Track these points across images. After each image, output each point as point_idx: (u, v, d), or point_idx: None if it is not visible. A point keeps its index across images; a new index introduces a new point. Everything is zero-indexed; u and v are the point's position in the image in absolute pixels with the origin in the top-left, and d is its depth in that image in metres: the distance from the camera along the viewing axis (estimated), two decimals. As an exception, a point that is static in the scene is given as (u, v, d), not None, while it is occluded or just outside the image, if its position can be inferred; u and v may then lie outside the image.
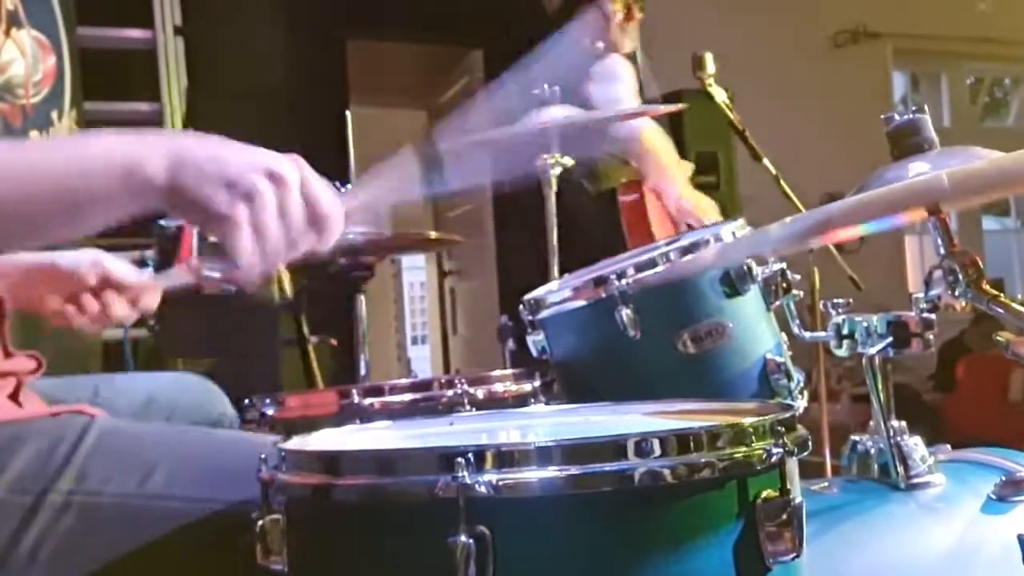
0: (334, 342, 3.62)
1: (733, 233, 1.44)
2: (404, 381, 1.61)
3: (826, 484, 1.31)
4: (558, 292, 1.48)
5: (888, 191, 1.08)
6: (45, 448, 1.05)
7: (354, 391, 1.53)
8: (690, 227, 3.00)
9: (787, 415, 0.87)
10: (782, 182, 2.64)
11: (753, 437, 0.83)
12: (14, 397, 1.17)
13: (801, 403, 1.43)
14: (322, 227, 0.95)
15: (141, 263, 1.86)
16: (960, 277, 1.13)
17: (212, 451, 1.13)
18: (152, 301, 1.40)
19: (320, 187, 0.95)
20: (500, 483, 0.76)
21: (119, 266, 1.37)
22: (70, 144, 0.94)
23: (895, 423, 1.23)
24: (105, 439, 1.08)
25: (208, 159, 0.91)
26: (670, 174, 3.14)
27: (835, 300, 1.30)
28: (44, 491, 1.03)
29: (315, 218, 0.94)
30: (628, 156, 3.09)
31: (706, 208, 3.14)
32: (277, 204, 0.91)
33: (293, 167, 0.93)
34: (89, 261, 1.34)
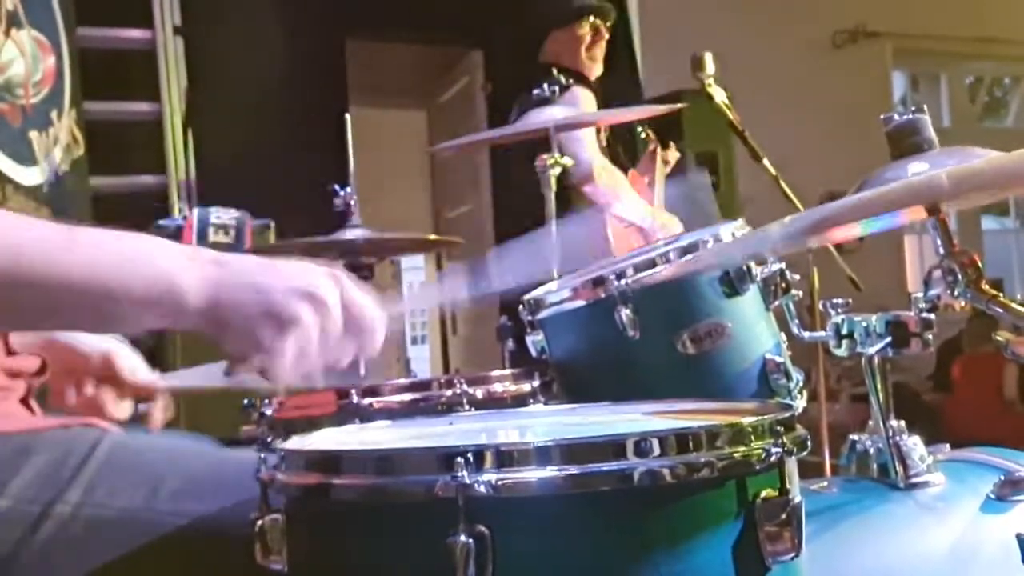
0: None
1: (733, 233, 1.44)
2: (403, 381, 1.61)
3: (825, 484, 1.31)
4: (557, 292, 1.48)
5: (887, 190, 1.08)
6: (55, 459, 1.06)
7: (353, 391, 1.53)
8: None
9: (786, 415, 0.87)
10: (782, 182, 2.64)
11: (752, 437, 0.83)
12: (25, 402, 1.17)
13: (800, 403, 1.43)
14: (364, 339, 0.94)
15: None
16: (959, 277, 1.13)
17: (221, 467, 1.13)
18: (160, 408, 1.35)
19: (362, 301, 0.93)
20: (499, 483, 0.76)
21: (130, 363, 1.33)
22: (120, 246, 0.89)
23: (894, 423, 1.23)
24: (115, 452, 1.09)
25: (248, 288, 0.89)
26: (627, 199, 3.21)
27: (834, 300, 1.30)
28: (52, 502, 1.03)
29: (357, 331, 0.93)
30: (576, 182, 3.13)
31: (669, 226, 3.23)
32: (319, 328, 0.90)
33: (333, 286, 0.91)
34: (102, 350, 1.31)
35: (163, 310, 0.89)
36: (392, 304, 1.01)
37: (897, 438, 1.22)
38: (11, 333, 1.17)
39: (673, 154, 3.67)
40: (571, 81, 3.38)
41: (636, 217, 3.20)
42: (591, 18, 3.50)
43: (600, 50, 3.53)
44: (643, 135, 3.61)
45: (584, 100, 3.31)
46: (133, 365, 1.33)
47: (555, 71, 3.29)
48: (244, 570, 0.89)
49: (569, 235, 2.14)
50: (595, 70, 3.52)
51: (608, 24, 3.55)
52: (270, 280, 0.90)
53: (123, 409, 1.34)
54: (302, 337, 0.89)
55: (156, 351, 3.24)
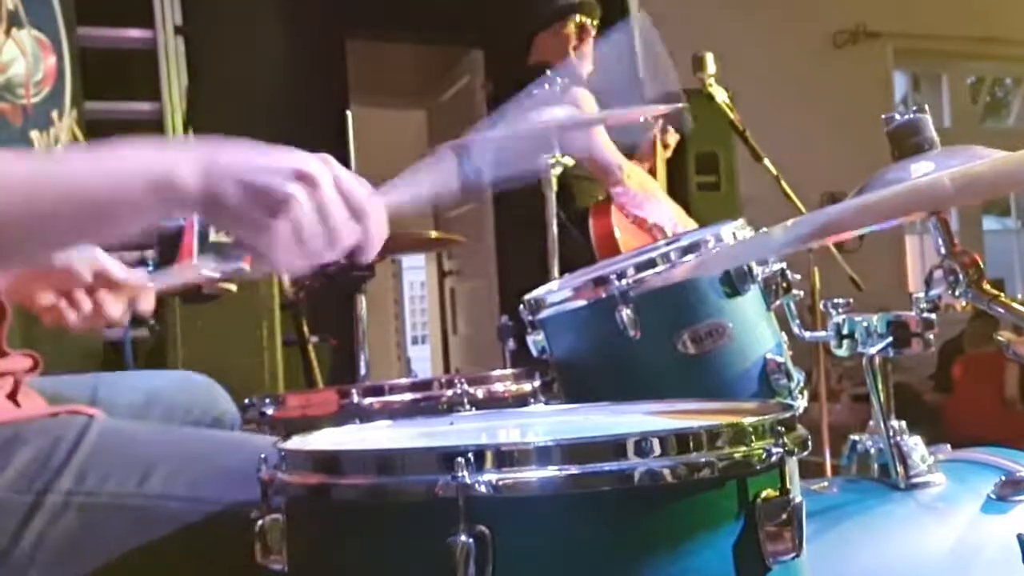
0: (335, 342, 3.62)
1: (733, 233, 1.44)
2: (404, 381, 1.61)
3: (826, 484, 1.31)
4: (558, 292, 1.48)
5: (891, 193, 1.08)
6: (44, 448, 1.05)
7: (354, 391, 1.53)
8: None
9: (787, 415, 0.87)
10: (782, 182, 2.64)
11: (753, 437, 0.83)
12: (12, 397, 1.17)
13: (801, 403, 1.43)
14: (363, 222, 0.94)
15: (141, 263, 1.85)
16: (960, 277, 1.13)
17: (211, 451, 1.13)
18: (148, 302, 1.40)
19: (353, 182, 0.94)
20: (500, 483, 0.76)
21: (115, 264, 1.35)
22: (104, 157, 0.92)
23: (895, 423, 1.23)
24: (104, 439, 1.08)
25: (239, 168, 0.90)
26: (649, 201, 3.20)
27: (835, 300, 1.30)
28: (43, 491, 1.03)
29: (353, 213, 0.93)
30: (604, 183, 3.13)
31: (684, 219, 3.22)
32: (314, 205, 0.90)
33: (323, 166, 0.92)
34: (84, 258, 1.33)
35: (164, 203, 0.91)
36: (385, 193, 1.00)
37: (898, 438, 1.22)
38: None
39: (672, 136, 3.64)
40: (567, 81, 3.37)
41: (665, 221, 3.16)
42: (576, 17, 3.48)
43: (588, 47, 3.51)
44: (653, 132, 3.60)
45: (584, 100, 3.31)
46: (118, 265, 1.35)
47: (548, 72, 3.28)
48: (239, 550, 0.89)
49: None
50: (585, 68, 3.50)
51: (594, 21, 3.53)
52: (261, 159, 0.91)
53: (120, 309, 1.36)
54: (298, 216, 0.90)
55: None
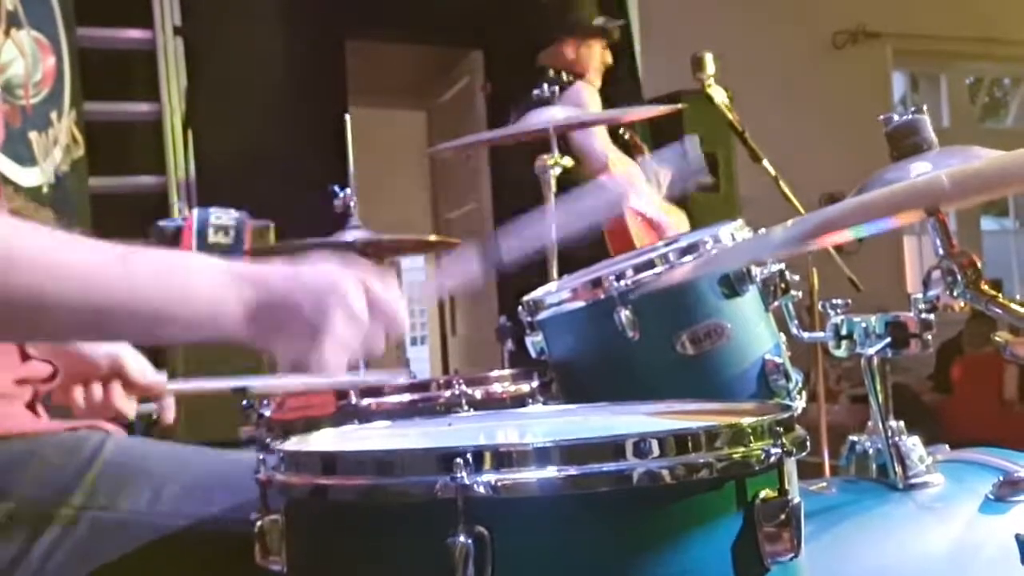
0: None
1: (732, 234, 1.44)
2: (403, 381, 1.61)
3: (824, 484, 1.31)
4: (557, 293, 1.48)
5: (889, 193, 1.08)
6: (59, 462, 1.06)
7: (352, 392, 1.53)
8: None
9: (785, 415, 0.88)
10: (782, 183, 2.63)
11: (751, 437, 0.83)
12: (31, 407, 1.17)
13: (799, 404, 1.43)
14: (392, 329, 1.00)
15: None
16: (959, 278, 1.13)
17: (224, 471, 1.14)
18: (169, 413, 1.39)
19: (385, 293, 0.98)
20: (499, 483, 0.76)
21: (134, 362, 1.35)
22: (169, 274, 0.94)
23: (893, 423, 1.23)
24: (119, 455, 1.09)
25: (284, 306, 0.94)
26: (640, 191, 3.24)
27: (834, 301, 1.30)
28: (56, 505, 1.04)
29: (383, 320, 0.99)
30: (593, 174, 3.18)
31: (675, 222, 3.26)
32: (351, 328, 0.95)
33: (358, 287, 0.96)
34: (110, 354, 1.33)
35: (206, 331, 0.94)
36: (416, 292, 1.06)
37: (896, 439, 1.22)
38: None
39: (665, 173, 3.69)
40: (572, 78, 3.41)
41: (649, 209, 3.23)
42: (602, 40, 3.59)
43: (595, 58, 3.60)
44: (625, 135, 3.63)
45: (589, 96, 3.34)
46: (140, 366, 1.35)
47: (553, 72, 3.32)
48: (251, 567, 0.90)
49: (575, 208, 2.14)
50: (596, 82, 3.58)
51: (597, 31, 3.62)
52: (299, 293, 0.94)
53: (131, 407, 1.35)
54: (335, 336, 0.94)
55: (159, 355, 3.24)
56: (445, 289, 1.17)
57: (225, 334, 0.93)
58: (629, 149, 3.60)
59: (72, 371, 1.31)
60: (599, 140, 3.24)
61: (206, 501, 1.07)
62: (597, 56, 3.59)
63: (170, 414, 1.39)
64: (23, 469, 1.05)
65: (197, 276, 0.93)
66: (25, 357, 1.19)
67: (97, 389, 1.32)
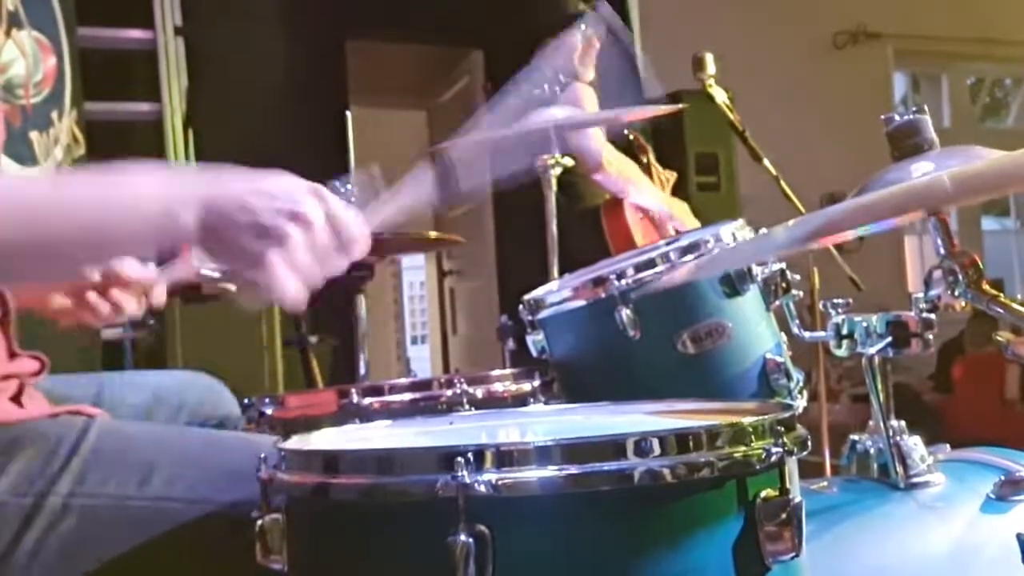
0: (334, 342, 3.61)
1: (733, 233, 1.44)
2: (404, 381, 1.61)
3: (825, 484, 1.31)
4: (558, 292, 1.48)
5: (890, 193, 1.08)
6: (45, 450, 1.06)
7: (353, 391, 1.53)
8: (677, 232, 3.09)
9: (787, 415, 0.88)
10: (782, 183, 2.64)
11: (753, 437, 0.83)
12: (16, 399, 1.17)
13: (801, 403, 1.43)
14: (349, 251, 0.98)
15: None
16: (960, 277, 1.13)
17: (212, 452, 1.13)
18: (160, 296, 1.40)
19: (345, 216, 0.97)
20: (500, 482, 0.76)
21: (124, 262, 1.36)
22: (101, 185, 0.95)
23: (894, 423, 1.23)
24: (104, 440, 1.08)
25: (237, 207, 0.93)
26: (640, 186, 3.24)
27: (835, 300, 1.30)
28: (44, 493, 1.03)
29: (342, 245, 0.97)
30: (588, 173, 3.18)
31: (678, 213, 3.25)
32: (306, 243, 0.94)
33: (317, 202, 0.95)
34: None
35: (163, 235, 0.94)
36: (370, 215, 1.04)
37: (897, 438, 1.22)
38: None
39: (669, 175, 3.69)
40: (569, 79, 3.41)
41: (651, 203, 3.22)
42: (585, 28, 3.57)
43: (592, 58, 3.59)
44: (631, 138, 3.64)
45: (585, 96, 3.35)
46: (125, 261, 1.36)
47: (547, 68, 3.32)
48: (240, 550, 0.90)
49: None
50: (587, 75, 3.57)
51: (599, 35, 3.62)
52: (257, 199, 0.94)
53: (132, 303, 1.37)
54: (290, 252, 0.93)
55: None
56: (400, 212, 1.14)
57: (177, 237, 0.94)
58: (633, 149, 3.61)
59: (68, 289, 1.34)
60: (593, 138, 3.24)
61: (196, 482, 1.06)
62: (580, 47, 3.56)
63: (162, 297, 1.40)
64: (7, 459, 1.04)
65: (143, 179, 0.94)
66: (12, 355, 1.19)
67: (99, 300, 1.34)
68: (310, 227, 0.93)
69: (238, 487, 1.01)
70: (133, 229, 0.93)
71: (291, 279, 0.92)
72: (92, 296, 1.35)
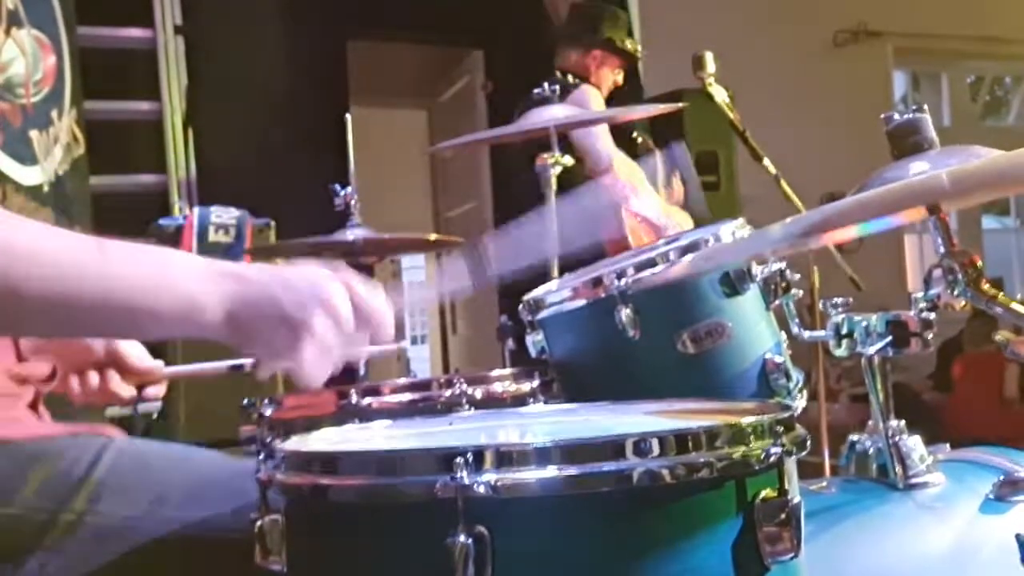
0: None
1: (733, 233, 1.44)
2: (403, 381, 1.61)
3: (824, 484, 1.31)
4: (557, 292, 1.48)
5: (888, 191, 1.08)
6: (62, 467, 1.06)
7: (353, 391, 1.53)
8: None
9: (786, 415, 0.87)
10: (782, 182, 2.64)
11: (752, 437, 0.83)
12: (33, 407, 1.17)
13: (800, 403, 1.43)
14: (375, 334, 0.99)
15: None
16: (959, 276, 1.13)
17: (226, 477, 1.14)
18: (158, 392, 1.40)
19: (369, 299, 0.97)
20: (499, 483, 0.76)
21: (132, 349, 1.36)
22: (141, 262, 0.93)
23: (894, 423, 1.23)
24: (120, 461, 1.09)
25: (264, 302, 0.93)
26: (642, 194, 3.26)
27: (834, 300, 1.30)
28: (57, 510, 1.04)
29: (367, 328, 0.98)
30: (595, 175, 3.20)
31: (681, 223, 3.27)
32: (332, 331, 0.94)
33: (342, 289, 0.95)
34: (105, 342, 1.33)
35: (184, 326, 0.93)
36: (396, 297, 1.04)
37: (897, 438, 1.22)
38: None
39: (678, 184, 3.70)
40: (578, 80, 3.43)
41: (651, 213, 3.23)
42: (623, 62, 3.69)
43: (609, 76, 3.69)
44: (639, 139, 3.65)
45: (594, 98, 3.36)
46: (136, 352, 1.35)
47: (559, 73, 3.35)
48: (251, 573, 0.90)
49: (572, 212, 2.14)
50: (604, 86, 3.62)
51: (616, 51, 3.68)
52: (281, 291, 0.93)
53: (127, 391, 1.36)
54: (317, 341, 0.93)
55: (156, 350, 3.24)
56: (439, 297, 1.16)
57: (203, 330, 0.92)
58: (636, 149, 3.62)
59: (67, 359, 1.31)
60: (603, 141, 3.25)
61: (209, 506, 1.07)
62: (612, 75, 3.66)
63: (161, 393, 1.40)
64: (25, 474, 1.05)
65: (175, 268, 0.93)
66: (20, 358, 1.19)
67: (94, 376, 1.33)
68: (336, 315, 0.94)
69: (250, 510, 1.01)
70: (160, 314, 0.92)
71: (318, 366, 0.93)
72: (88, 371, 1.33)
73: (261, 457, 0.90)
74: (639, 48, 3.81)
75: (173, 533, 1.05)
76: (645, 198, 3.27)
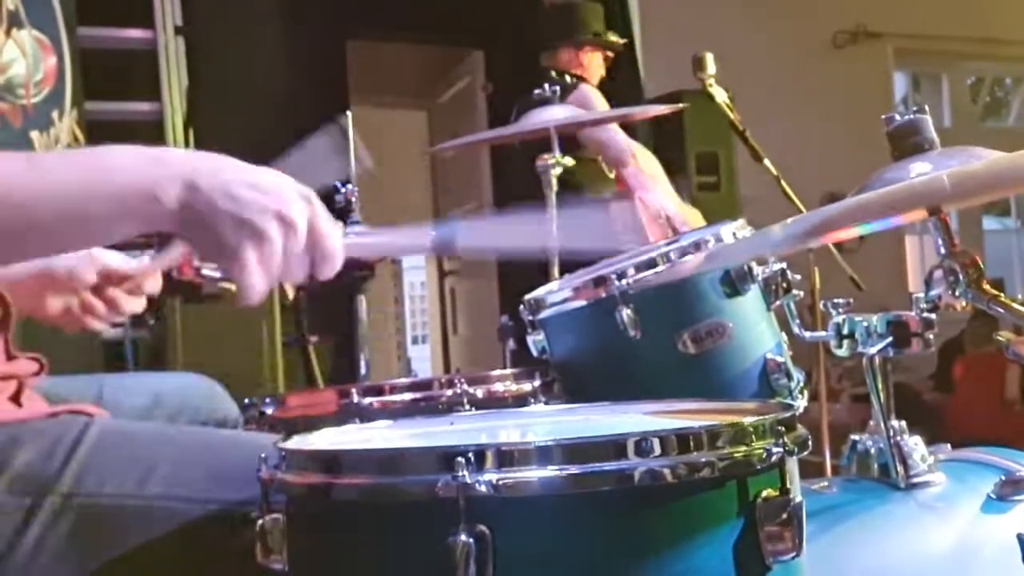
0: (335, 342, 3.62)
1: (733, 233, 1.44)
2: (404, 381, 1.61)
3: (826, 484, 1.31)
4: (558, 292, 1.48)
5: (889, 192, 1.08)
6: (44, 449, 1.05)
7: (354, 390, 1.53)
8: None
9: (787, 415, 0.87)
10: (783, 182, 2.64)
11: (753, 436, 0.83)
12: (15, 399, 1.17)
13: (801, 403, 1.43)
14: (322, 264, 0.97)
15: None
16: (960, 277, 1.13)
17: (212, 451, 1.13)
18: (154, 285, 1.39)
19: (327, 229, 0.96)
20: (500, 482, 0.76)
21: (114, 258, 1.35)
22: (85, 161, 0.94)
23: (895, 423, 1.23)
24: (104, 439, 1.08)
25: (223, 195, 0.91)
26: (657, 186, 3.26)
27: (835, 300, 1.30)
28: (43, 493, 1.03)
29: (316, 256, 0.96)
30: (614, 166, 3.23)
31: (692, 219, 3.27)
32: (283, 246, 0.92)
33: (304, 209, 0.94)
34: (84, 259, 1.33)
35: (144, 216, 0.92)
36: (357, 239, 1.04)
37: (898, 438, 1.22)
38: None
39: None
40: (576, 80, 3.44)
41: (668, 206, 3.23)
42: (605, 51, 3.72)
43: (599, 63, 3.72)
44: None
45: (596, 98, 3.37)
46: (117, 257, 1.35)
47: (555, 73, 3.36)
48: (239, 550, 0.89)
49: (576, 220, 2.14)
50: (595, 77, 3.62)
51: (606, 40, 3.71)
52: (245, 190, 0.92)
53: (139, 304, 1.37)
54: (266, 250, 0.92)
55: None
56: (384, 250, 1.14)
57: (157, 219, 0.91)
58: None
59: (63, 292, 1.33)
60: (620, 133, 3.26)
61: (197, 482, 1.06)
62: (598, 65, 3.69)
63: (157, 286, 1.38)
64: (6, 458, 1.03)
65: (123, 158, 0.92)
66: (10, 356, 1.19)
67: (96, 301, 1.33)
68: (292, 231, 0.92)
69: (238, 486, 1.01)
70: (112, 206, 0.91)
71: (259, 277, 0.92)
72: (88, 297, 1.34)
73: (262, 456, 0.90)
74: (622, 40, 3.83)
75: (162, 509, 1.04)
76: (661, 190, 3.28)
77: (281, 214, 0.92)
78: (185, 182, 0.91)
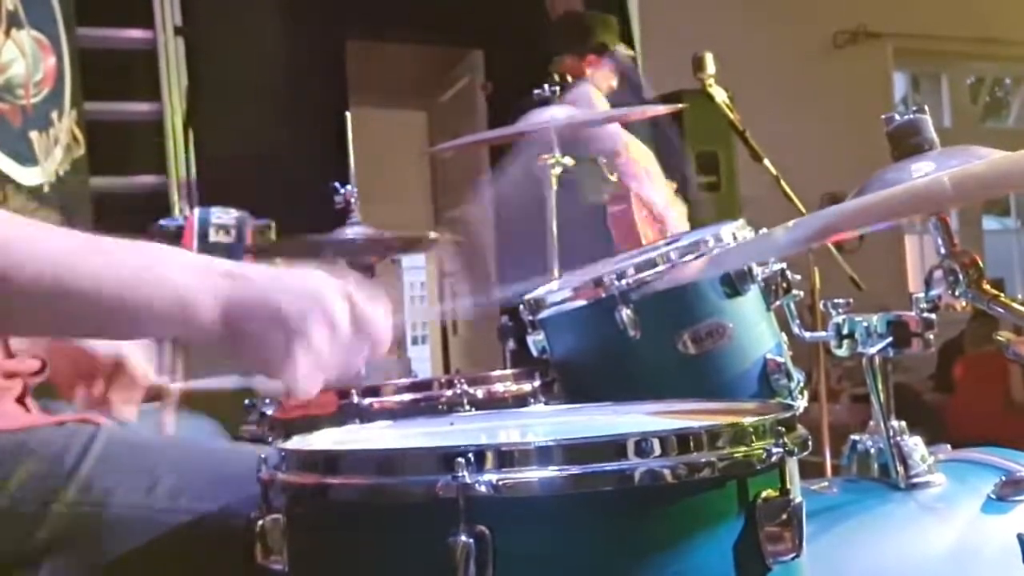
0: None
1: (733, 233, 1.44)
2: (404, 381, 1.61)
3: (826, 484, 1.31)
4: (558, 292, 1.48)
5: (891, 195, 1.08)
6: (51, 457, 1.05)
7: (354, 391, 1.53)
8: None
9: (787, 415, 0.87)
10: (783, 182, 2.64)
11: (753, 437, 0.83)
12: (21, 401, 1.17)
13: (801, 403, 1.43)
14: (373, 351, 0.96)
15: None
16: (960, 277, 1.13)
17: (218, 462, 1.13)
18: (171, 411, 1.37)
19: (371, 316, 0.95)
20: (500, 483, 0.76)
21: (140, 361, 1.34)
22: (132, 258, 0.91)
23: (895, 423, 1.23)
24: (111, 448, 1.08)
25: (258, 302, 0.90)
26: (653, 183, 3.27)
27: (835, 300, 1.30)
28: (49, 501, 1.03)
29: (365, 337, 0.95)
30: (612, 164, 3.24)
31: (676, 219, 3.29)
32: (330, 343, 0.92)
33: (340, 295, 0.93)
34: (113, 352, 1.32)
35: (176, 325, 0.91)
36: (397, 311, 1.03)
37: (898, 438, 1.22)
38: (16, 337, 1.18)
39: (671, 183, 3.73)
40: (577, 82, 3.45)
41: (657, 201, 3.25)
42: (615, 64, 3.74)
43: (606, 73, 3.73)
44: None
45: (594, 93, 3.38)
46: (145, 367, 1.34)
47: (559, 76, 3.38)
48: (243, 566, 0.89)
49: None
50: (601, 84, 3.64)
51: (610, 50, 3.73)
52: (280, 294, 0.91)
53: (130, 411, 1.34)
54: (312, 347, 0.91)
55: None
56: (441, 315, 1.14)
57: (196, 330, 0.90)
58: None
59: (74, 367, 1.31)
60: (613, 124, 3.27)
61: (202, 494, 1.06)
62: (607, 79, 3.69)
63: (169, 428, 1.36)
64: (14, 466, 1.03)
65: (169, 264, 0.91)
66: (9, 355, 1.19)
67: (99, 386, 1.32)
68: (333, 320, 0.91)
69: (244, 497, 1.01)
70: (154, 310, 0.89)
71: (311, 377, 0.91)
72: (94, 379, 1.31)
73: (262, 456, 0.90)
74: (633, 53, 3.86)
75: (168, 521, 1.04)
76: (655, 186, 3.29)
77: (319, 306, 0.91)
78: (222, 297, 0.90)
